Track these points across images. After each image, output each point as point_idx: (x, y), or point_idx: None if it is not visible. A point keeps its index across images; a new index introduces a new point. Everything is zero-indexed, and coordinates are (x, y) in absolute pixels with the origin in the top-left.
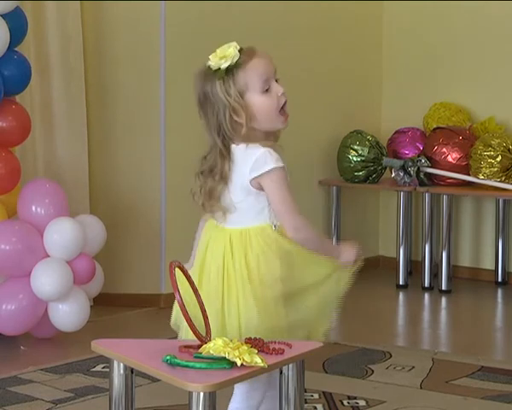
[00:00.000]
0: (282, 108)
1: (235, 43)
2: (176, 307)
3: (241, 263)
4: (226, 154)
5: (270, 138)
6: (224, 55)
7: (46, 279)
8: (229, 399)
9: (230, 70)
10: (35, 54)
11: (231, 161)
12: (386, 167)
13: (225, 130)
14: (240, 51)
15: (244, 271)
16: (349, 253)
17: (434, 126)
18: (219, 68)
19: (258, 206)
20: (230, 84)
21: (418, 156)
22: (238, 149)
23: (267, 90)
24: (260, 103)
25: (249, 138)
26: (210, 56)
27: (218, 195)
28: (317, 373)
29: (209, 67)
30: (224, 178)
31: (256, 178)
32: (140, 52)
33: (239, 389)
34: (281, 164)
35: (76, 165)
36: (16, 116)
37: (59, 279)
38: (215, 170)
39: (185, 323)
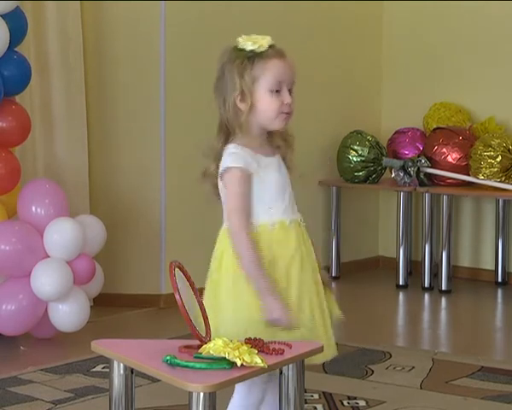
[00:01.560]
0: (283, 113)
1: (269, 38)
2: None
3: (221, 262)
4: (230, 130)
5: (269, 138)
6: (255, 40)
7: (46, 279)
8: (229, 399)
9: (252, 57)
10: (35, 54)
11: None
12: (386, 168)
13: (228, 111)
14: (270, 46)
15: (223, 269)
16: (272, 308)
17: (434, 127)
18: (244, 49)
19: None
20: (247, 69)
21: (418, 156)
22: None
23: (277, 92)
24: (264, 100)
25: (243, 130)
26: (243, 36)
27: (210, 173)
28: (317, 373)
29: (236, 45)
30: (216, 158)
31: (220, 176)
32: (140, 52)
33: (238, 389)
34: (238, 164)
35: (76, 165)
36: (16, 116)
37: (59, 279)
38: (214, 149)
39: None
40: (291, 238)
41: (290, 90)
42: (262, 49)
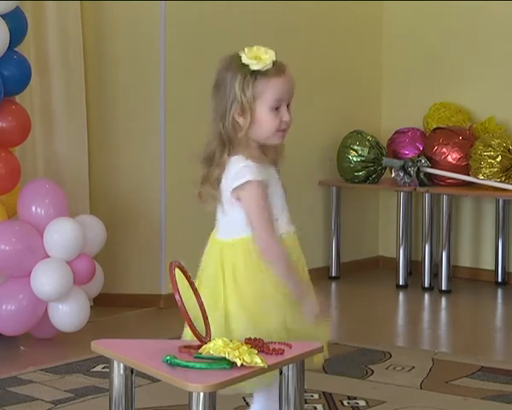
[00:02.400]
0: (281, 130)
1: (273, 52)
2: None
3: (229, 276)
4: (226, 143)
5: (262, 150)
6: (259, 57)
7: (46, 279)
8: (229, 400)
9: (255, 72)
10: (35, 54)
11: (224, 167)
12: (386, 168)
13: (227, 123)
14: (273, 62)
15: (231, 283)
16: (312, 306)
17: (434, 127)
18: (247, 65)
19: (243, 217)
20: (249, 85)
21: (418, 156)
22: (229, 160)
23: (276, 109)
24: (264, 117)
25: (242, 143)
26: (245, 49)
27: (213, 181)
28: (317, 373)
29: (239, 57)
30: (220, 167)
31: (236, 189)
32: (140, 52)
33: (257, 399)
34: (258, 177)
35: (76, 165)
36: (16, 116)
37: (59, 279)
38: (214, 157)
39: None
40: (297, 247)
41: (288, 105)
42: (266, 68)
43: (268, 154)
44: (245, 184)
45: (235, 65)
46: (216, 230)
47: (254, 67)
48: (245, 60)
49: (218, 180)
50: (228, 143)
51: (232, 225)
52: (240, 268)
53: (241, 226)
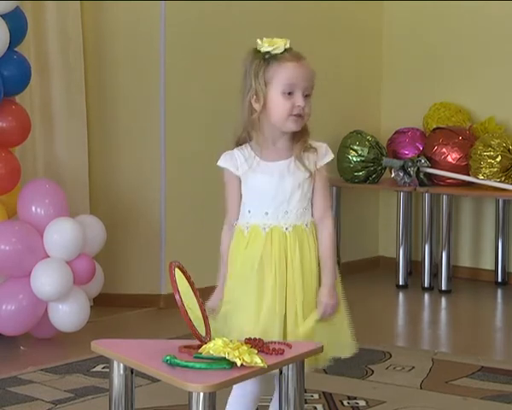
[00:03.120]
0: (294, 115)
1: (288, 41)
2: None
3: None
4: (247, 128)
5: (281, 135)
6: (272, 42)
7: (46, 279)
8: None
9: (268, 58)
10: (35, 54)
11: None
12: (385, 168)
13: (246, 109)
14: (287, 49)
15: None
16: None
17: (434, 127)
18: (261, 52)
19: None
20: (262, 70)
21: (418, 156)
22: None
23: (289, 94)
24: (275, 101)
25: (254, 127)
26: (262, 38)
27: None
28: (317, 373)
29: (256, 47)
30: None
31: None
32: (140, 52)
33: (236, 387)
34: (222, 164)
35: (76, 165)
36: (16, 116)
37: (59, 279)
38: (241, 142)
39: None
40: (258, 243)
41: (307, 95)
42: (277, 51)
43: (296, 147)
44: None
45: (253, 53)
46: None
47: (265, 49)
48: (259, 46)
49: None
50: (248, 128)
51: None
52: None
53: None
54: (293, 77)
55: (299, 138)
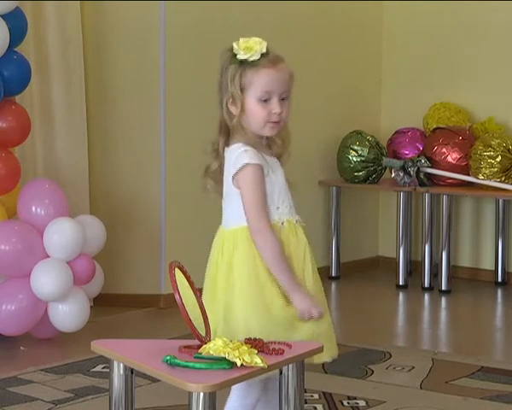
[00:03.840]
0: (271, 121)
1: (265, 44)
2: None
3: (227, 264)
4: (225, 132)
5: (267, 142)
6: (249, 47)
7: (46, 280)
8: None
9: (244, 63)
10: (35, 54)
11: (223, 157)
12: (386, 168)
13: (224, 112)
14: (264, 54)
15: (229, 272)
16: (302, 303)
17: (434, 127)
18: (236, 55)
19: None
20: (238, 75)
21: (418, 156)
22: (227, 150)
23: (265, 101)
24: (251, 108)
25: (237, 132)
26: (240, 39)
27: (213, 172)
28: (317, 373)
29: (232, 48)
30: (219, 157)
31: (235, 176)
32: (140, 52)
33: (235, 388)
34: (256, 161)
35: (76, 165)
36: (16, 116)
37: (59, 280)
38: (214, 146)
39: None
40: (300, 237)
41: (284, 99)
42: (253, 59)
43: (273, 146)
44: (243, 167)
45: (230, 55)
46: (222, 220)
47: (241, 56)
48: (236, 49)
49: (218, 171)
50: (226, 132)
51: (233, 215)
52: (238, 257)
53: (242, 215)
54: (270, 84)
55: (283, 142)
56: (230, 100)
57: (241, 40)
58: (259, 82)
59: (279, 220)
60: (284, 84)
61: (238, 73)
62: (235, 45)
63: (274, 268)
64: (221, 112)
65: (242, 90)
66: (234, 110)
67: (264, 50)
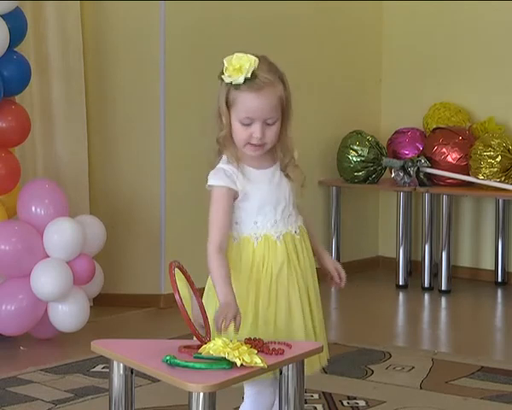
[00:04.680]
0: (251, 144)
1: (254, 65)
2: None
3: None
4: (219, 144)
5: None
6: (238, 68)
7: (46, 280)
8: (229, 400)
9: (230, 82)
10: (35, 54)
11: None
12: (385, 168)
13: (217, 125)
14: (250, 78)
15: None
16: (221, 315)
17: (434, 127)
18: (222, 78)
19: None
20: (224, 93)
21: (418, 156)
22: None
23: (247, 125)
24: (234, 127)
25: (227, 144)
26: (233, 56)
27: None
28: (317, 373)
29: (222, 68)
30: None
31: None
32: (140, 52)
33: (247, 394)
34: (221, 183)
35: (76, 165)
36: (16, 116)
37: (59, 280)
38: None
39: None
40: (278, 254)
41: (270, 124)
42: (237, 83)
43: (274, 153)
44: (209, 187)
45: (218, 76)
46: None
47: (226, 79)
48: (224, 68)
49: None
50: (219, 144)
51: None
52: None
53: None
54: (251, 109)
55: (284, 151)
56: (220, 115)
57: (234, 57)
58: (241, 107)
59: (254, 235)
60: (268, 111)
61: (225, 89)
62: (225, 63)
63: (212, 280)
64: (216, 123)
65: (228, 107)
66: (221, 123)
67: (249, 75)
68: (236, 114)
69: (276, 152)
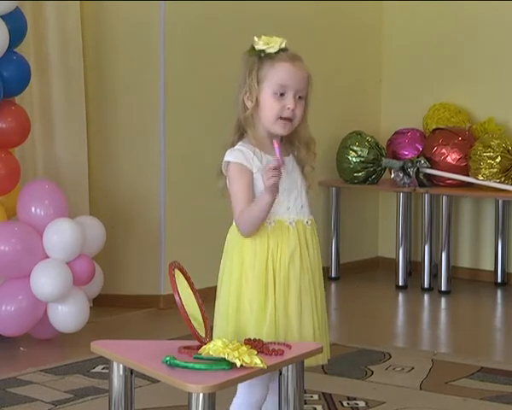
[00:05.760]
0: (284, 118)
1: (285, 41)
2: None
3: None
4: (240, 126)
5: (271, 133)
6: (268, 41)
7: (46, 280)
8: (229, 400)
9: (263, 57)
10: (34, 54)
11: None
12: (385, 168)
13: (239, 106)
14: (283, 49)
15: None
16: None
17: (434, 127)
18: (256, 49)
19: None
20: (255, 67)
21: (418, 157)
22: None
23: (280, 95)
24: (265, 101)
25: (248, 126)
26: (259, 37)
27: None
28: (317, 374)
29: (254, 43)
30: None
31: (224, 171)
32: (140, 52)
33: (241, 386)
34: (237, 160)
35: (75, 166)
36: (16, 117)
37: (58, 280)
38: (236, 140)
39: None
40: (290, 238)
41: (300, 98)
42: (272, 51)
43: (292, 143)
44: (226, 164)
45: (249, 51)
46: None
47: (259, 46)
48: (255, 42)
49: None
50: (240, 126)
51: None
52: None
53: None
54: (286, 78)
55: (305, 141)
56: (247, 94)
57: (263, 36)
58: (276, 75)
59: (268, 219)
60: (301, 81)
61: (256, 65)
62: (255, 38)
63: (262, 215)
64: (237, 109)
65: (259, 82)
66: (249, 104)
67: (283, 46)
68: (269, 86)
69: (294, 143)
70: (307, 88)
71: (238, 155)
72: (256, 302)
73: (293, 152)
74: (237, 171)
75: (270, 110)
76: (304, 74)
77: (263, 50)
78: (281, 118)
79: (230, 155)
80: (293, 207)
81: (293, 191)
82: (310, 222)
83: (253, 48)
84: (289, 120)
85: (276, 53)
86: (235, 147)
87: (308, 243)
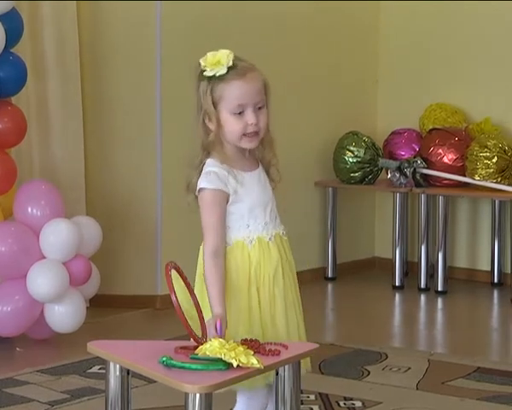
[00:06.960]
0: (248, 134)
1: (231, 56)
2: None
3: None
4: (204, 148)
5: (242, 151)
6: (216, 62)
7: (42, 280)
8: (226, 400)
9: (213, 78)
10: (31, 55)
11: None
12: (382, 168)
13: (201, 129)
14: (232, 66)
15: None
16: (210, 326)
17: (430, 127)
18: (204, 73)
19: None
20: (209, 91)
21: (414, 157)
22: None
23: (240, 113)
24: (226, 121)
25: (215, 147)
26: (207, 54)
27: (193, 187)
28: (313, 374)
29: (199, 64)
30: (198, 172)
31: (197, 193)
32: (136, 52)
33: (240, 396)
34: (214, 186)
35: (72, 166)
36: (12, 117)
37: (55, 281)
38: (196, 161)
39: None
40: (272, 255)
41: (261, 108)
42: (220, 73)
43: (257, 154)
44: (199, 190)
45: (199, 72)
46: None
47: (208, 73)
48: (203, 65)
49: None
50: (205, 147)
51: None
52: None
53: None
54: (241, 96)
55: (264, 145)
56: (207, 117)
57: (209, 55)
58: (230, 96)
59: (248, 238)
60: (257, 94)
61: (209, 88)
62: (201, 62)
63: (207, 289)
64: (199, 134)
65: (215, 105)
66: (211, 126)
67: (231, 64)
68: (227, 107)
69: (258, 151)
70: (265, 95)
71: (214, 180)
72: (241, 326)
73: (258, 155)
74: (211, 200)
75: (233, 129)
76: (258, 85)
77: (214, 75)
78: (245, 135)
79: (205, 181)
80: (270, 221)
81: (268, 204)
82: (284, 232)
83: (202, 73)
84: (255, 133)
85: (225, 73)
86: (208, 168)
87: (287, 255)
